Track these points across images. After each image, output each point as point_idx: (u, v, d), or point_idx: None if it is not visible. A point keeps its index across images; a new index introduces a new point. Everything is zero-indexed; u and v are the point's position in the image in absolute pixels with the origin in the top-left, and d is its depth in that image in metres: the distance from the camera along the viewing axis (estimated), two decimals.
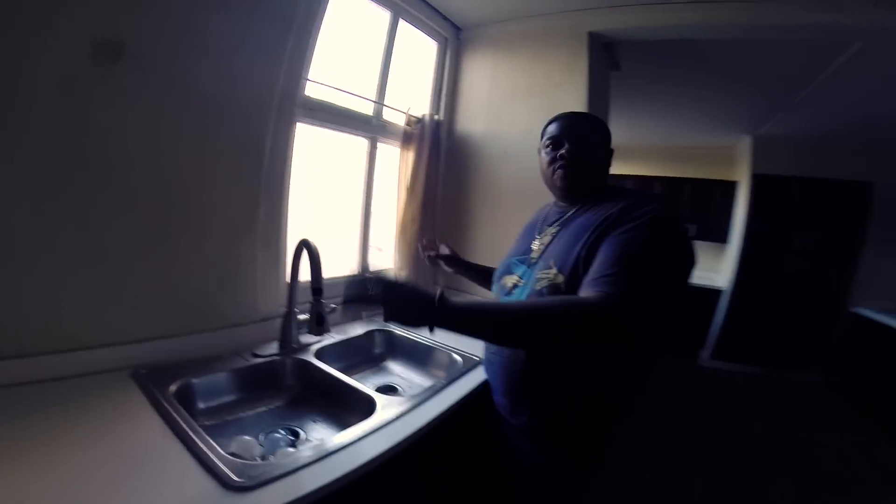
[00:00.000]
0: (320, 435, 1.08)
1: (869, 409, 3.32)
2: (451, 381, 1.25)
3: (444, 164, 2.22)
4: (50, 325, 0.96)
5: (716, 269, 4.69)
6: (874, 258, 3.78)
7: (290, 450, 0.96)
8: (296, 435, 1.05)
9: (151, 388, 0.97)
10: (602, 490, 1.04)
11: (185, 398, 0.99)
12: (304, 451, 0.82)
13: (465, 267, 1.56)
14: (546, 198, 1.26)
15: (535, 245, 1.09)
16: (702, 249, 4.61)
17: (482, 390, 1.20)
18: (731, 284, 4.24)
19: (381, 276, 0.85)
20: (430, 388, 1.19)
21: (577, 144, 1.03)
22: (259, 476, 0.72)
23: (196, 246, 1.21)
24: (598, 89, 2.01)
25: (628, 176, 4.78)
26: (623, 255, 0.83)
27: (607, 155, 1.09)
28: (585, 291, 0.82)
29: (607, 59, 2.16)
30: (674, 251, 0.89)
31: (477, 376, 1.28)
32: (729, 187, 4.53)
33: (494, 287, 1.22)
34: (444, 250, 1.56)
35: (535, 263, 1.04)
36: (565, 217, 1.06)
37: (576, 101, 1.88)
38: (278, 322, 1.35)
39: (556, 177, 1.05)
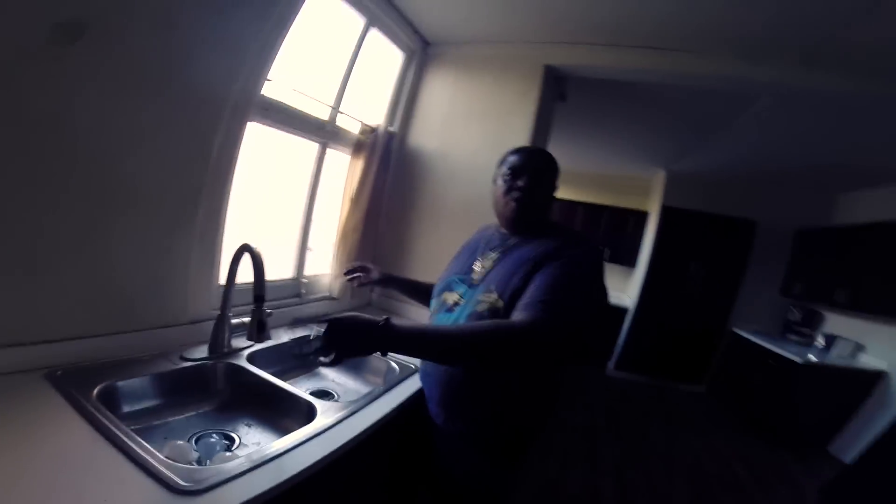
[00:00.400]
0: (256, 439, 1.08)
1: (745, 416, 3.89)
2: (389, 387, 1.30)
3: (393, 177, 2.27)
4: None
5: (624, 290, 5.27)
6: (750, 286, 4.48)
7: (228, 454, 0.96)
8: (231, 440, 1.05)
9: (71, 391, 0.91)
10: (527, 489, 1.16)
11: (109, 401, 0.94)
12: (249, 455, 0.83)
13: (396, 283, 1.58)
14: (484, 220, 1.37)
15: (477, 266, 1.17)
16: (613, 272, 5.18)
17: (418, 398, 1.27)
18: (635, 304, 4.77)
19: (325, 321, 0.87)
20: (368, 394, 1.24)
21: (535, 180, 1.12)
22: (206, 480, 0.73)
23: (125, 240, 1.14)
24: (544, 118, 2.20)
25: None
26: (554, 286, 0.96)
27: (554, 192, 1.19)
28: (518, 314, 0.94)
29: (556, 90, 2.35)
30: (596, 289, 1.06)
31: (414, 384, 1.35)
32: (641, 216, 5.09)
33: (434, 302, 1.27)
34: (375, 274, 1.55)
35: (477, 285, 1.12)
36: (507, 245, 1.16)
37: (522, 127, 2.04)
38: (209, 325, 1.32)
39: (508, 207, 1.13)
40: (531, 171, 1.12)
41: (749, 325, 4.40)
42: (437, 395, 1.16)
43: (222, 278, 1.38)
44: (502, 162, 1.19)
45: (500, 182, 1.17)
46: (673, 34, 1.82)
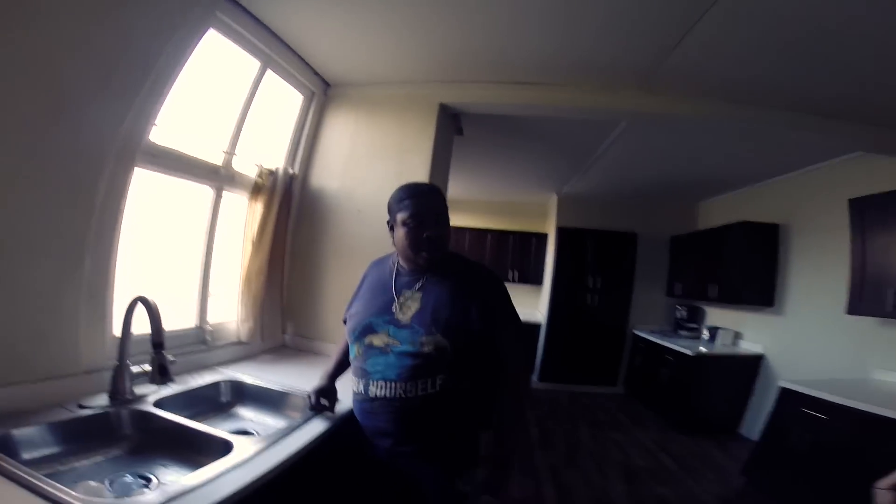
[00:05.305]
0: (175, 477, 1.10)
1: (660, 411, 4.40)
2: (307, 419, 1.34)
3: (296, 218, 2.36)
4: None
5: (536, 306, 5.83)
6: (640, 291, 5.23)
7: (147, 490, 0.99)
8: (148, 479, 1.07)
9: None
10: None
11: (6, 450, 0.94)
12: (164, 489, 0.88)
13: (339, 371, 1.50)
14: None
15: (398, 307, 1.25)
16: (525, 292, 5.65)
17: (345, 429, 1.33)
18: (546, 319, 5.31)
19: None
20: (287, 427, 1.28)
21: (441, 225, 1.24)
22: None
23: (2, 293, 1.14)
24: (442, 154, 2.47)
25: (465, 228, 5.63)
26: (507, 322, 1.28)
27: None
28: (504, 356, 1.26)
29: (453, 125, 2.67)
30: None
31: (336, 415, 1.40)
32: (542, 238, 5.72)
33: (357, 346, 1.28)
34: (333, 398, 1.44)
35: (409, 327, 1.20)
36: (421, 283, 1.26)
37: (422, 164, 2.30)
38: (107, 375, 1.32)
39: (422, 255, 1.22)
40: (437, 218, 1.23)
41: (646, 325, 5.10)
42: (388, 427, 1.20)
43: (117, 329, 1.38)
44: (398, 204, 1.25)
45: (404, 229, 1.22)
46: (547, 71, 2.22)
